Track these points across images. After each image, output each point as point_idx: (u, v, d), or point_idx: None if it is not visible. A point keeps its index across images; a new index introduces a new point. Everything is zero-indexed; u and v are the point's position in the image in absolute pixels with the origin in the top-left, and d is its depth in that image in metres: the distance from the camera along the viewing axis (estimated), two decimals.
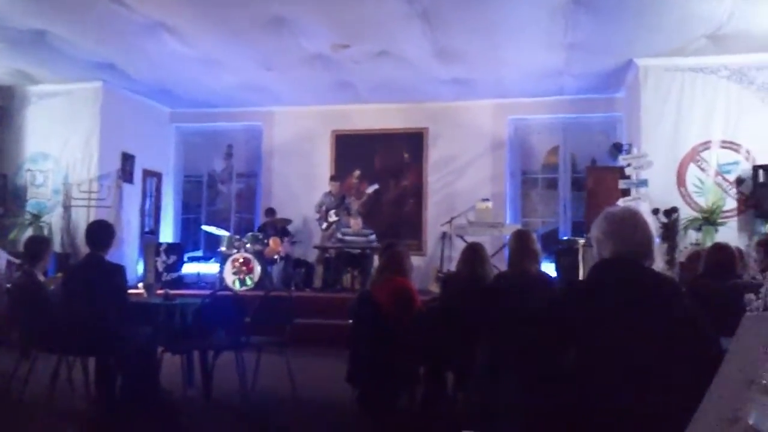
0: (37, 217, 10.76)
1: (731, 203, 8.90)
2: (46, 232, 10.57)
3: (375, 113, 12.06)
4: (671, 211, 8.61)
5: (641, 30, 8.18)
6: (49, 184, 11.08)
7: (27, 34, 8.68)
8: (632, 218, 2.52)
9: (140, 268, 11.67)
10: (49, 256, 6.02)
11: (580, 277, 8.39)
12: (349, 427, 5.03)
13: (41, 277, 5.74)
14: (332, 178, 11.39)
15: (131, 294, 5.87)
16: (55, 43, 9.02)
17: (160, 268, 11.09)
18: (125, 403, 5.19)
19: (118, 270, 5.34)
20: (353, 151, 12.21)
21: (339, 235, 10.54)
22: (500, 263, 8.58)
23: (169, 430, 4.88)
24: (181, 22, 8.30)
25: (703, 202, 8.91)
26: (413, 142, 12.06)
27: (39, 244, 5.99)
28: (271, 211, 11.26)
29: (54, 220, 10.85)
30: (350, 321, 5.58)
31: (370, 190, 11.20)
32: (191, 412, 5.37)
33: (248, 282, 10.09)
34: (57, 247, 10.26)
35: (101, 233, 5.45)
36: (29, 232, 10.53)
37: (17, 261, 8.24)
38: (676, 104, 9.14)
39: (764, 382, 1.52)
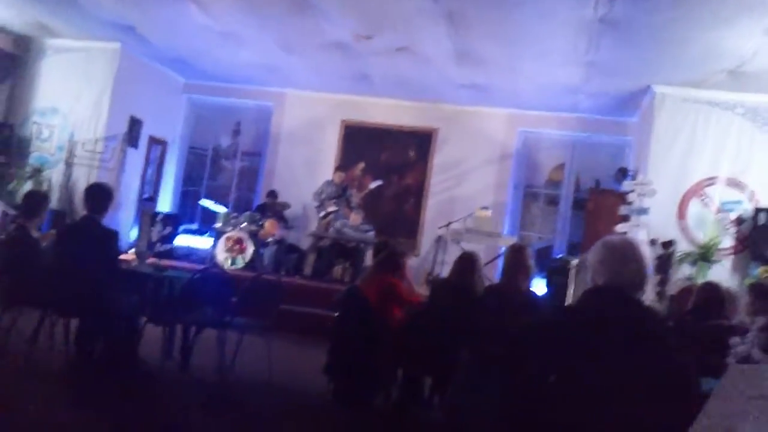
0: (38, 171, 10.75)
1: (728, 242, 8.88)
2: (45, 187, 10.55)
3: (387, 108, 12.03)
4: (668, 244, 8.60)
5: (663, 57, 8.15)
6: (54, 139, 11.05)
7: None
8: (630, 250, 2.51)
9: (134, 235, 11.65)
10: (45, 213, 6.01)
11: (569, 298, 8.39)
12: (320, 420, 5.03)
13: (35, 233, 5.73)
14: (338, 168, 11.36)
15: (122, 260, 5.86)
16: None
17: (154, 238, 11.07)
18: (102, 366, 5.19)
19: (112, 235, 5.35)
20: (360, 142, 12.19)
21: (338, 226, 10.52)
22: (492, 274, 8.59)
23: (141, 398, 4.87)
24: None
25: (701, 237, 8.89)
26: (421, 141, 12.03)
27: (37, 199, 6.00)
28: (272, 194, 11.24)
29: (55, 176, 10.82)
30: (336, 314, 5.58)
31: (374, 185, 11.18)
32: (165, 384, 5.37)
33: (239, 261, 10.07)
34: (54, 203, 10.24)
35: (100, 196, 5.46)
36: (28, 185, 10.53)
37: (13, 212, 8.22)
38: (688, 136, 9.11)
39: None
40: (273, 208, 11.08)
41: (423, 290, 9.09)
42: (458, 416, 4.54)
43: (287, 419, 4.93)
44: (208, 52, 10.70)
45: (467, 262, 5.20)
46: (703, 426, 1.79)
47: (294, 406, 5.29)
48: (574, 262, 8.76)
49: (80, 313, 5.14)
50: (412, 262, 10.63)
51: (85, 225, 5.32)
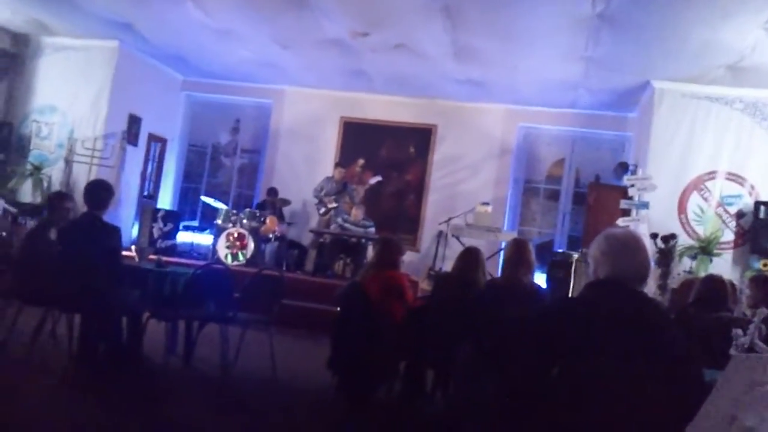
0: (38, 169, 10.74)
1: (729, 235, 8.91)
2: (45, 185, 10.58)
3: (385, 104, 12.03)
4: (669, 238, 8.61)
5: (662, 52, 8.16)
6: (53, 137, 11.04)
7: None
8: (633, 242, 2.52)
9: (135, 232, 11.66)
10: (66, 212, 5.95)
11: (570, 292, 8.40)
12: (324, 414, 5.04)
13: (53, 233, 5.72)
14: (337, 165, 11.38)
15: (124, 256, 5.86)
16: None
17: (156, 234, 11.08)
18: (106, 362, 5.20)
19: (114, 230, 5.37)
20: (360, 139, 12.19)
21: (339, 221, 10.55)
22: (492, 268, 8.61)
23: (145, 395, 4.89)
24: None
25: (702, 231, 8.93)
26: (421, 137, 12.03)
27: (57, 199, 6.05)
28: (273, 191, 11.25)
29: (54, 173, 10.81)
30: (337, 308, 5.60)
31: (374, 181, 11.19)
32: (169, 380, 5.39)
33: (240, 257, 10.09)
34: None
35: (100, 192, 5.46)
36: (29, 183, 10.56)
37: (13, 210, 8.24)
38: (687, 130, 9.13)
39: (747, 423, 1.53)
40: (273, 205, 11.09)
41: (425, 285, 9.15)
42: (460, 410, 4.55)
43: (291, 413, 4.94)
44: (205, 49, 10.69)
45: (470, 257, 5.21)
46: (707, 415, 1.80)
47: (297, 401, 5.30)
48: (575, 256, 8.77)
49: (84, 309, 5.14)
50: (413, 258, 10.66)
51: (88, 221, 5.33)
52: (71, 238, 5.28)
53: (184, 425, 4.38)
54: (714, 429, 1.66)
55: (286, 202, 11.36)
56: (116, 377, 5.07)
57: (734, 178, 8.97)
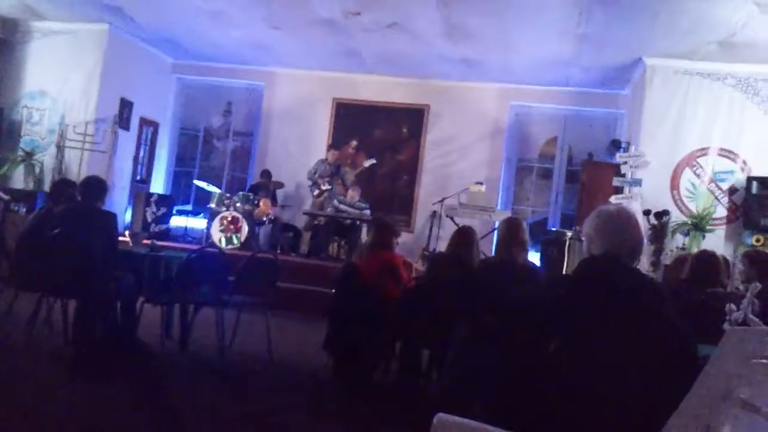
0: (29, 155, 10.69)
1: (721, 211, 8.95)
2: (37, 171, 10.54)
3: (378, 85, 11.98)
4: (662, 214, 8.64)
5: (654, 29, 8.14)
6: (44, 122, 10.97)
7: None
8: (626, 219, 2.53)
9: (128, 217, 11.63)
10: (71, 198, 5.93)
11: (564, 270, 8.43)
12: (321, 395, 5.07)
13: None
14: (330, 147, 11.34)
15: (119, 241, 5.86)
16: None
17: (149, 219, 11.06)
18: (102, 347, 5.20)
19: (110, 216, 5.38)
20: (353, 120, 12.15)
21: (335, 203, 10.54)
22: (486, 248, 8.62)
23: (142, 379, 4.90)
24: None
25: (694, 207, 8.96)
26: (414, 117, 12.00)
27: (62, 186, 6.01)
28: (266, 174, 11.22)
29: (46, 159, 10.76)
30: (333, 290, 5.61)
31: (368, 163, 11.15)
32: (166, 364, 5.39)
33: (234, 241, 10.07)
34: (46, 187, 10.20)
35: (96, 186, 5.48)
36: (20, 169, 10.51)
37: (6, 197, 8.20)
38: (679, 107, 9.13)
39: (741, 396, 1.54)
40: (267, 187, 11.07)
41: (419, 265, 9.16)
42: (455, 389, 4.57)
43: (288, 395, 4.96)
44: (196, 31, 10.62)
45: (464, 237, 5.22)
46: (702, 389, 1.82)
47: (294, 382, 5.33)
48: (569, 234, 8.80)
49: (79, 295, 5.14)
50: (407, 239, 10.66)
51: (84, 207, 5.33)
52: (69, 223, 5.26)
53: (181, 408, 4.40)
54: (709, 403, 1.68)
55: (280, 185, 11.34)
56: (113, 361, 5.08)
57: (726, 154, 8.99)
